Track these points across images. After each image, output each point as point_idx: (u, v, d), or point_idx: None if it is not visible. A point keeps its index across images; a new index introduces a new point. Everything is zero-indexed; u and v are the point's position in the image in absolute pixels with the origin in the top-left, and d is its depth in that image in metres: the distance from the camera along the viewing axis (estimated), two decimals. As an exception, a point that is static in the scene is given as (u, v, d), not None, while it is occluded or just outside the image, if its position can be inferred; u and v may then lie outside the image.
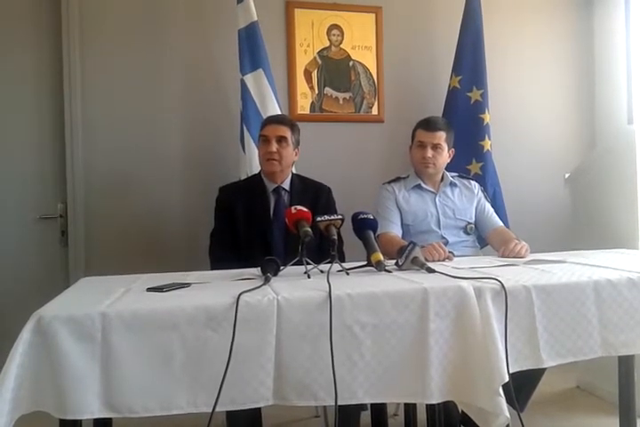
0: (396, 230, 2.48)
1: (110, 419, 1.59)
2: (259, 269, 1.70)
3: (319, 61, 3.24)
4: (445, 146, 2.53)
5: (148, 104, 3.01)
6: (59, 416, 1.25)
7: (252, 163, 2.76)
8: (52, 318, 1.26)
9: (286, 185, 2.43)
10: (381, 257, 1.76)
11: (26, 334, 1.25)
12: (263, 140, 2.39)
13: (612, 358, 2.09)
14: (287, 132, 2.38)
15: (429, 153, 2.49)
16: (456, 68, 3.21)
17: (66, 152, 2.91)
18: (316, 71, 3.23)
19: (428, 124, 2.53)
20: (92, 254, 2.92)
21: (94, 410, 1.26)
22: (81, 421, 1.30)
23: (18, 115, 2.91)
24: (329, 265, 1.65)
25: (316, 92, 3.23)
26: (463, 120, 3.11)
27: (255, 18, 2.88)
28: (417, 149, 2.54)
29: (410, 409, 1.93)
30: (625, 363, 2.17)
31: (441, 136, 2.51)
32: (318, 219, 1.83)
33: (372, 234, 1.86)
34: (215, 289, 1.55)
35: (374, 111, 3.32)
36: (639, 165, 2.45)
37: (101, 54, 2.94)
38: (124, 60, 2.97)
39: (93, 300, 1.40)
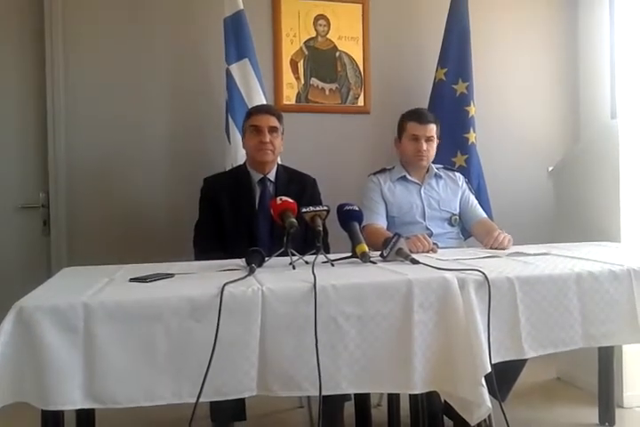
0: (381, 222, 2.49)
1: (93, 410, 1.58)
2: (243, 260, 1.70)
3: (305, 52, 3.22)
4: (435, 138, 2.54)
5: (133, 93, 2.97)
6: (40, 407, 1.24)
7: (238, 153, 2.73)
8: (33, 309, 1.25)
9: (272, 176, 2.41)
10: (366, 248, 1.77)
11: (7, 325, 1.23)
12: (254, 130, 2.36)
13: (592, 350, 2.12)
14: (277, 123, 2.38)
15: (424, 146, 2.50)
16: (442, 61, 3.21)
17: (48, 142, 2.86)
18: (302, 61, 3.21)
19: (420, 117, 2.53)
20: (75, 244, 2.89)
21: (77, 401, 1.25)
22: (63, 412, 1.30)
23: (-1, 103, 2.86)
24: (314, 256, 1.64)
25: (302, 82, 3.21)
26: (448, 112, 3.11)
27: (241, 6, 2.85)
28: (410, 142, 2.53)
29: (393, 399, 1.94)
30: (605, 354, 2.21)
31: (432, 129, 2.52)
32: (304, 210, 1.82)
33: (357, 225, 1.87)
34: (199, 280, 1.55)
35: (360, 102, 3.32)
36: (621, 158, 2.47)
37: (85, 42, 2.90)
38: (109, 48, 2.93)
39: (76, 290, 1.39)
